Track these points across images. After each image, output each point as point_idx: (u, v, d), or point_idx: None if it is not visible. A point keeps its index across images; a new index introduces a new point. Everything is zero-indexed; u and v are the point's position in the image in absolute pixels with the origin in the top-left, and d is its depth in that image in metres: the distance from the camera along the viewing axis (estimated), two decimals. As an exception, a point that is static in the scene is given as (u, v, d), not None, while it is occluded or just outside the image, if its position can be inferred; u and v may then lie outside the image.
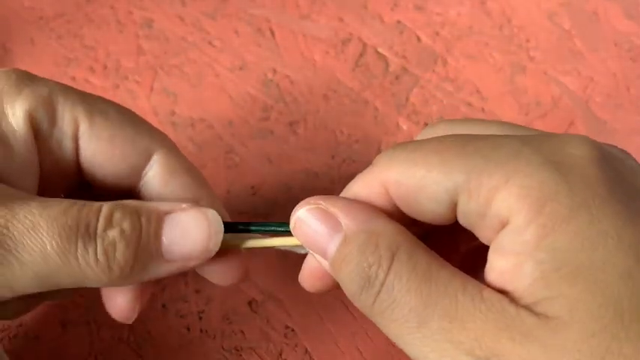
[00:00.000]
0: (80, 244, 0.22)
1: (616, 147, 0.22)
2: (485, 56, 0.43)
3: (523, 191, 0.19)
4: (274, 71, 0.42)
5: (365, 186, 0.23)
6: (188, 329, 0.34)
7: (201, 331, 0.34)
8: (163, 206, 0.25)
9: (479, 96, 0.41)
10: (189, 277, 0.35)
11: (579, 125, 0.40)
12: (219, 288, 0.35)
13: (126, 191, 0.27)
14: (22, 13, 0.44)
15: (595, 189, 0.19)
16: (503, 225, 0.20)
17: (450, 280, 0.20)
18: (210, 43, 0.43)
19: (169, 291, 0.35)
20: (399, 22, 0.44)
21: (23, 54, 0.42)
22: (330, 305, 0.34)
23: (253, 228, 0.26)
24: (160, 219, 0.24)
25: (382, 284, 0.20)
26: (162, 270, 0.25)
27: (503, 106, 0.41)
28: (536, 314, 0.19)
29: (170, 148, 0.27)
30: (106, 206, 0.23)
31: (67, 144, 0.26)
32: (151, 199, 0.27)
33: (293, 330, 0.34)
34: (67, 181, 0.27)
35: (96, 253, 0.23)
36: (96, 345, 0.33)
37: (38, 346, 0.33)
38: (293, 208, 0.24)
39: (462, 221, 0.22)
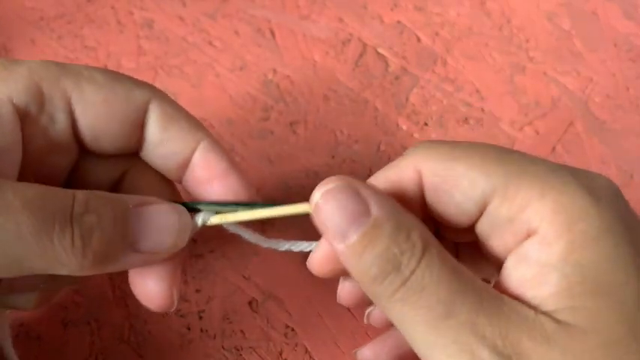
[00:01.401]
0: (57, 227, 0.22)
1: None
2: (485, 56, 0.43)
3: (557, 207, 0.21)
4: (274, 71, 0.42)
5: (399, 170, 0.24)
6: (188, 329, 0.34)
7: (201, 330, 0.34)
8: (134, 199, 0.25)
9: (478, 96, 0.42)
10: (189, 276, 0.35)
11: (579, 125, 0.40)
12: (220, 288, 0.35)
13: (130, 152, 0.28)
14: (22, 13, 0.44)
15: (619, 218, 0.21)
16: (529, 234, 0.21)
17: (474, 280, 0.21)
18: (210, 43, 0.43)
19: (170, 291, 0.35)
20: (398, 22, 0.44)
21: (24, 54, 0.42)
22: (331, 305, 0.35)
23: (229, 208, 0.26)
24: (128, 210, 0.24)
25: (412, 272, 0.21)
26: (130, 261, 0.25)
27: (502, 107, 0.41)
28: (557, 321, 0.20)
29: (163, 97, 0.27)
30: (80, 193, 0.24)
31: (61, 118, 0.26)
32: (153, 149, 0.27)
33: (293, 330, 0.34)
34: (66, 158, 0.27)
35: (72, 237, 0.23)
36: (96, 345, 0.33)
37: (39, 346, 0.33)
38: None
39: (483, 225, 0.23)
